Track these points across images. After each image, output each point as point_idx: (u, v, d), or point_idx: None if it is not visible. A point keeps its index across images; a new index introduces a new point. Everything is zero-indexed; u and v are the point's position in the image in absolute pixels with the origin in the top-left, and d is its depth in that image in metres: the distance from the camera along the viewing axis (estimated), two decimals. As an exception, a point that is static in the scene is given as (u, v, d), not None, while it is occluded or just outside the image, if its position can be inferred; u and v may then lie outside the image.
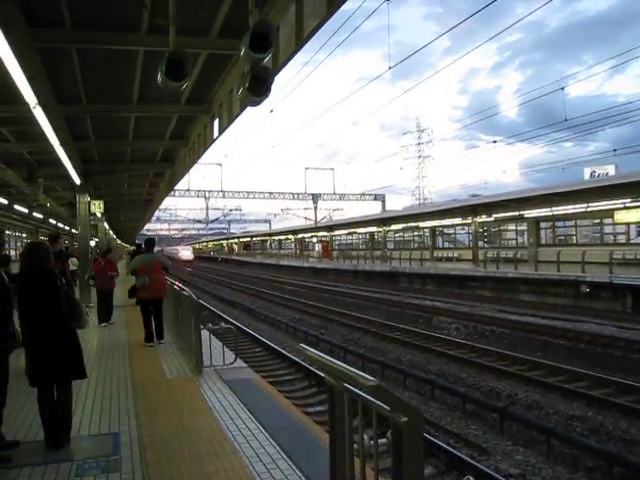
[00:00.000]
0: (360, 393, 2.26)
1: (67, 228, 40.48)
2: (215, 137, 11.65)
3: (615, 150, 32.49)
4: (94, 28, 7.33)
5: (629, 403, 9.14)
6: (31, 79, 6.66)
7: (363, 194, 62.61)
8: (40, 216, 30.64)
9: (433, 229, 41.81)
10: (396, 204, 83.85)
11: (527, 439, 7.98)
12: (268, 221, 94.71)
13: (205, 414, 5.67)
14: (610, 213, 26.02)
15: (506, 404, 9.41)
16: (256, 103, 6.43)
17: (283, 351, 13.48)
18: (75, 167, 13.83)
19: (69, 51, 7.98)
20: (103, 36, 7.45)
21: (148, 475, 4.12)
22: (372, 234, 50.67)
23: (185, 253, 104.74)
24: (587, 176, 40.39)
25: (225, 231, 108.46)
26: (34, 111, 7.96)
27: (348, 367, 2.27)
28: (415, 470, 2.00)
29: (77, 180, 15.51)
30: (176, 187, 28.62)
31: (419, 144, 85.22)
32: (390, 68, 11.80)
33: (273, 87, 6.28)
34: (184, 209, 79.94)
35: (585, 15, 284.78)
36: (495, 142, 40.15)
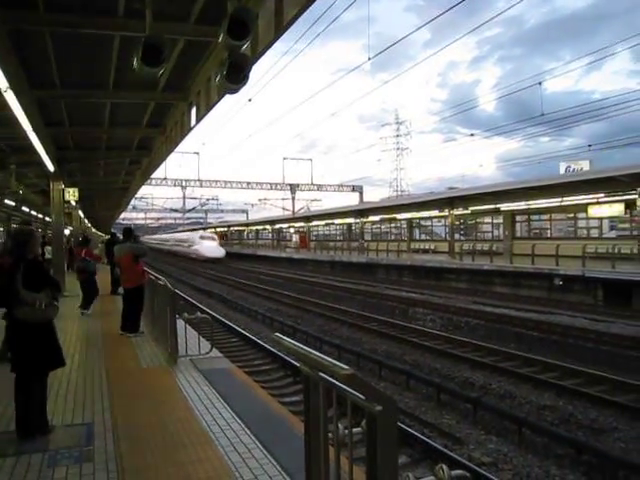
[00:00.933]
0: (335, 382, 2.26)
1: (40, 216, 39.82)
2: (192, 125, 11.55)
3: (590, 146, 32.99)
4: (68, 11, 7.17)
5: (598, 393, 9.32)
6: (1, 62, 6.50)
7: (341, 185, 62.73)
8: (12, 203, 30.08)
9: (410, 221, 41.99)
10: (374, 196, 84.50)
11: (500, 428, 8.08)
12: (245, 211, 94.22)
13: (180, 404, 5.65)
14: (584, 208, 26.37)
15: (480, 394, 9.53)
16: (234, 91, 6.38)
17: (259, 341, 13.46)
18: (48, 153, 13.60)
19: (42, 34, 7.82)
20: (78, 20, 7.29)
21: (122, 465, 4.09)
22: (349, 225, 50.75)
23: (208, 245, 57.41)
24: (562, 171, 40.93)
25: (202, 221, 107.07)
26: (5, 95, 7.78)
27: (323, 356, 2.27)
28: (389, 458, 2.01)
29: (51, 167, 15.25)
30: (153, 175, 28.36)
31: (397, 136, 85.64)
32: (369, 59, 11.81)
33: (251, 76, 6.24)
34: (161, 198, 78.99)
35: (563, 12, 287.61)
36: (473, 135, 40.21)
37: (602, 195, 24.16)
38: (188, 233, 74.70)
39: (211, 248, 56.39)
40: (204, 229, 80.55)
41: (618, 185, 22.62)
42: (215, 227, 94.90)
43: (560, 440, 7.36)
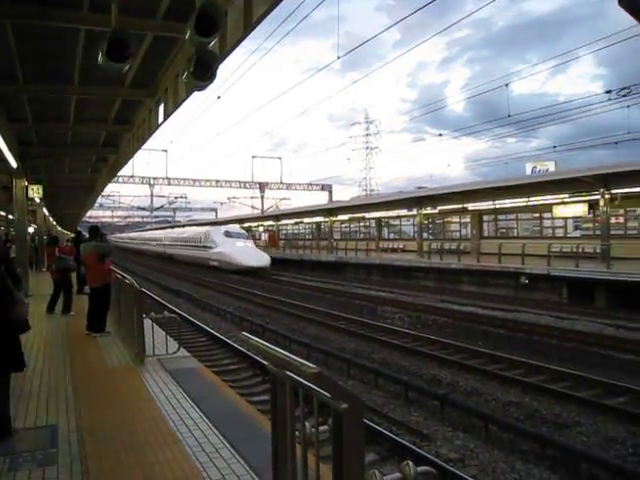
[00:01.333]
0: (302, 381, 2.26)
1: (3, 214, 38.89)
2: (160, 122, 11.40)
3: (555, 147, 33.63)
4: (31, 3, 7.00)
5: (562, 389, 9.52)
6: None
7: (310, 184, 62.76)
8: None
9: (379, 220, 42.26)
10: (343, 195, 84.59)
11: (466, 425, 8.18)
12: (214, 210, 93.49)
13: (147, 404, 5.59)
14: (549, 207, 26.92)
15: (447, 391, 9.62)
16: (201, 88, 6.35)
17: (228, 340, 13.38)
18: (11, 150, 13.26)
19: (3, 26, 7.62)
20: (41, 12, 7.12)
21: (87, 467, 4.03)
22: (318, 224, 50.80)
23: (243, 248, 37.76)
24: (529, 171, 41.70)
25: (170, 219, 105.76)
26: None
27: (290, 355, 2.26)
28: (356, 456, 2.01)
29: (13, 163, 14.87)
30: (120, 173, 27.99)
31: (367, 135, 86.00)
32: (339, 58, 11.82)
33: (220, 73, 6.20)
34: (128, 196, 77.69)
35: (530, 16, 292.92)
36: (441, 135, 40.59)
37: (567, 195, 24.69)
38: (200, 229, 49.48)
39: (248, 252, 35.77)
40: (172, 227, 77.56)
41: (582, 186, 23.14)
42: (183, 226, 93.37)
43: (525, 435, 7.49)
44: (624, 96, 17.44)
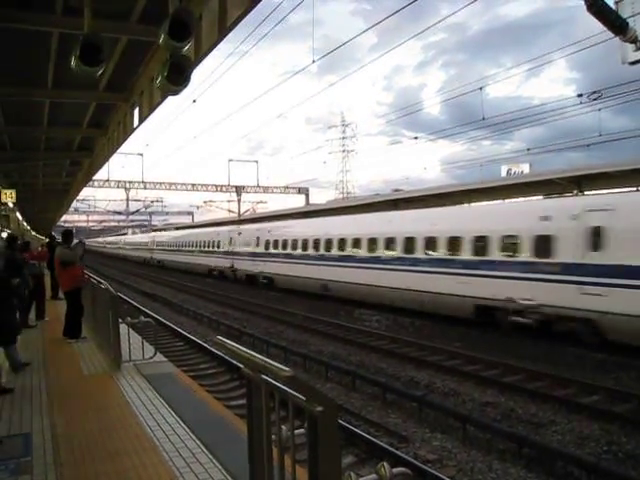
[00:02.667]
0: (277, 384, 2.27)
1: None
2: (135, 126, 11.33)
3: (529, 149, 33.98)
4: (3, 5, 6.92)
5: (537, 388, 9.64)
6: None
7: (287, 187, 62.65)
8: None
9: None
10: (320, 198, 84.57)
11: (444, 425, 8.24)
12: (191, 213, 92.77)
13: (123, 410, 5.55)
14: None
15: (425, 393, 9.68)
16: (175, 92, 6.32)
17: (205, 344, 13.30)
18: (-18, 154, 13.10)
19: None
20: (13, 14, 7.04)
21: (61, 476, 3.99)
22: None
23: None
24: (504, 173, 42.04)
25: (146, 223, 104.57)
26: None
27: (264, 358, 2.27)
28: (331, 458, 2.03)
29: (-15, 168, 14.69)
30: (95, 177, 27.68)
31: (343, 138, 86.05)
32: (314, 61, 11.79)
33: (196, 77, 6.20)
34: (103, 200, 76.64)
35: (504, 20, 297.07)
36: (416, 138, 40.67)
37: (541, 197, 25.03)
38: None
39: None
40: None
41: (556, 188, 23.48)
42: (160, 229, 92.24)
43: (502, 435, 7.57)
44: (595, 99, 17.71)
